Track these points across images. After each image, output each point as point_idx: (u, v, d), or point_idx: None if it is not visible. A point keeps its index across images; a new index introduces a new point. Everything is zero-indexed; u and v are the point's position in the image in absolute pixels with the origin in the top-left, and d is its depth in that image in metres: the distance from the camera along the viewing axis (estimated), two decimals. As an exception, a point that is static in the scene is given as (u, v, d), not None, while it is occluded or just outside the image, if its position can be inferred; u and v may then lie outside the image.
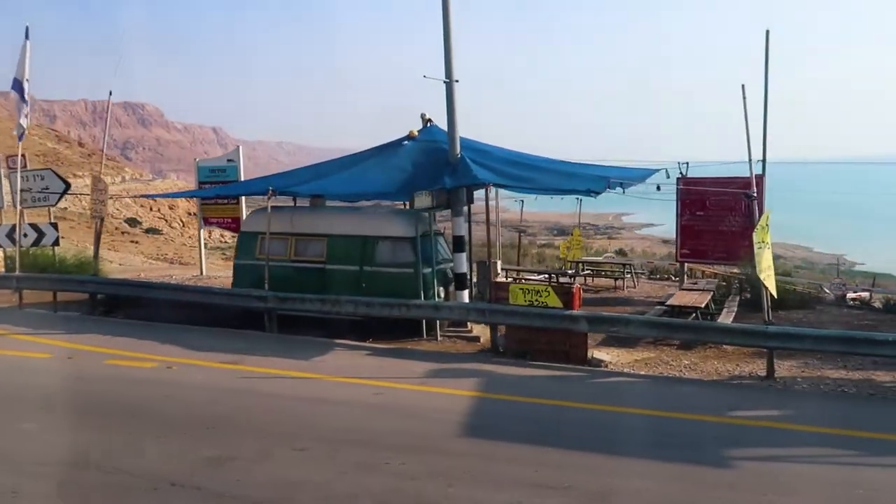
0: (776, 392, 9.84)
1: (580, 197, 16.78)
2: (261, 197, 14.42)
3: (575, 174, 14.59)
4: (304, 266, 13.56)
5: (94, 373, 10.41)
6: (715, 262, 18.31)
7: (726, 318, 13.03)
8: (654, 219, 63.43)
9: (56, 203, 17.41)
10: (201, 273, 19.88)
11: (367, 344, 12.19)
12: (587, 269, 20.18)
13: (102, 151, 19.10)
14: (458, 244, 13.25)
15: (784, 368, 10.73)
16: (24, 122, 15.43)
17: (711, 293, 14.76)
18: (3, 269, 17.37)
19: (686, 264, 18.48)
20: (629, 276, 19.14)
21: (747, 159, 11.20)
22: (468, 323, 12.82)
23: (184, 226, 50.99)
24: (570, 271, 19.00)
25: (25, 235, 15.97)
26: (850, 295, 17.38)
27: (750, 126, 10.87)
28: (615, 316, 11.62)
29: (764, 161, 15.02)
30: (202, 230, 21.59)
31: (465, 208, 13.58)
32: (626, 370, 10.90)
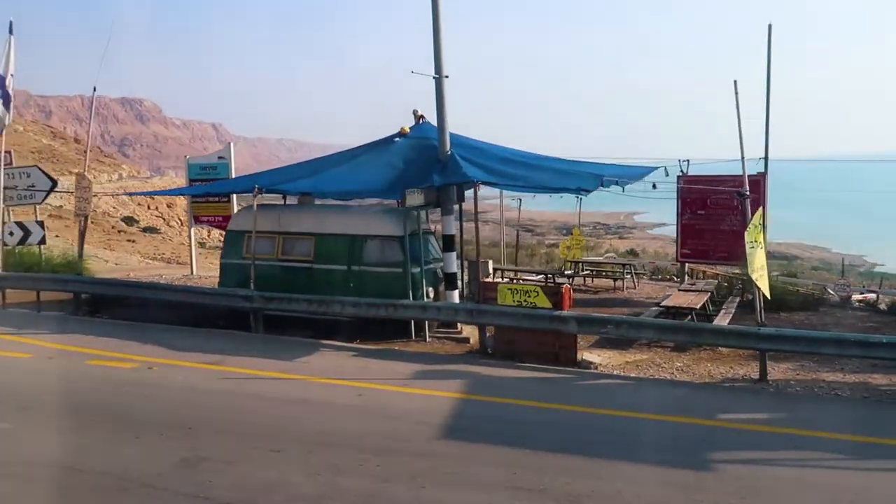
0: (768, 395, 9.63)
1: (580, 196, 16.53)
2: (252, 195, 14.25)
3: (569, 172, 14.24)
4: (292, 265, 13.37)
5: (74, 373, 10.32)
6: (716, 263, 18.00)
7: (723, 320, 12.82)
8: (666, 218, 62.80)
9: (42, 201, 17.13)
10: (192, 272, 19.70)
11: (353, 345, 12.00)
12: (587, 270, 19.80)
13: (86, 149, 18.95)
14: (448, 243, 13.03)
15: (779, 371, 10.53)
16: (6, 118, 15.19)
17: (709, 294, 14.59)
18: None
19: (688, 265, 18.25)
20: (629, 276, 18.83)
21: (743, 157, 11.02)
22: (458, 324, 12.62)
23: (182, 224, 50.73)
24: (568, 271, 18.75)
25: (11, 234, 15.79)
26: (856, 297, 16.97)
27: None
28: (605, 317, 11.36)
29: (766, 158, 14.77)
30: (192, 228, 21.40)
31: (456, 206, 13.34)
32: (615, 372, 10.68)
